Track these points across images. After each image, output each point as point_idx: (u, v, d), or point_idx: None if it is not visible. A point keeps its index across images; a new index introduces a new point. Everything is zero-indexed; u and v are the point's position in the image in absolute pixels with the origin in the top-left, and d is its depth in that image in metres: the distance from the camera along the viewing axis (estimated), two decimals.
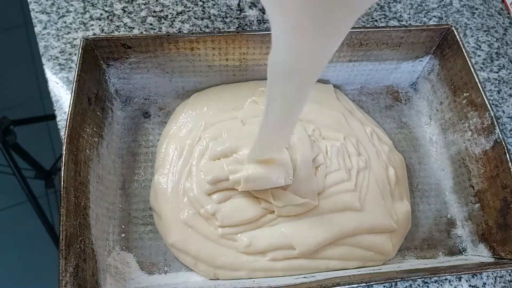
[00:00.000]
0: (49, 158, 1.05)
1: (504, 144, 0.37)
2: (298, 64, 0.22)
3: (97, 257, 0.35)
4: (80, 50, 0.37)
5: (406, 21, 0.56)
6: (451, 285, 0.41)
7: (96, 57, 0.40)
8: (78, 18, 0.50)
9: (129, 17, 0.51)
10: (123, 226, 0.40)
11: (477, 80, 0.40)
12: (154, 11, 0.52)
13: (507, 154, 0.37)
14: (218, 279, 0.37)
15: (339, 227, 0.37)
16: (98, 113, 0.40)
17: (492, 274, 0.42)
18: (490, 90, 0.52)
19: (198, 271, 0.38)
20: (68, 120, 0.34)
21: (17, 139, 0.90)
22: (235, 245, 0.37)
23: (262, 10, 0.54)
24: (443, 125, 0.46)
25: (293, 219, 0.38)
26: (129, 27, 0.51)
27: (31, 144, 0.99)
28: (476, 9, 0.58)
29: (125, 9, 0.52)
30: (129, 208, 0.41)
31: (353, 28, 0.43)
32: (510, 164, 0.37)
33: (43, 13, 0.50)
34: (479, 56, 0.54)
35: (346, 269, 0.38)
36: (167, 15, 0.52)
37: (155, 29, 0.51)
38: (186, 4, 0.53)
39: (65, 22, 0.50)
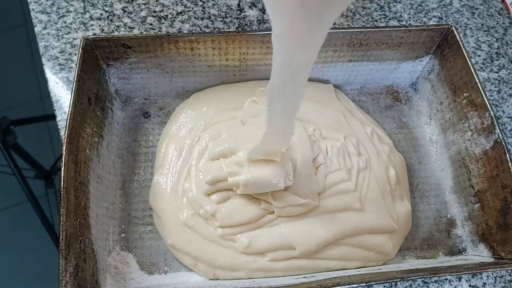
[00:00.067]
0: (49, 158, 1.05)
1: (504, 144, 0.37)
2: (291, 60, 0.24)
3: (97, 257, 0.35)
4: (80, 50, 0.37)
5: (406, 21, 0.56)
6: (451, 285, 0.41)
7: (96, 57, 0.40)
8: (78, 18, 0.50)
9: (129, 17, 0.51)
10: (123, 226, 0.40)
11: (477, 80, 0.40)
12: (154, 11, 0.52)
13: (507, 154, 0.37)
14: (218, 279, 0.37)
15: (339, 227, 0.37)
16: (98, 113, 0.40)
17: (492, 274, 0.42)
18: (490, 90, 0.52)
19: (198, 271, 0.38)
20: (68, 120, 0.34)
21: (17, 139, 0.90)
22: (234, 246, 0.37)
23: (262, 10, 0.54)
24: (443, 125, 0.46)
25: (293, 219, 0.37)
26: (129, 27, 0.51)
27: (31, 144, 0.99)
28: (476, 9, 0.58)
29: (125, 9, 0.52)
30: (129, 208, 0.41)
31: (353, 28, 0.43)
32: (510, 164, 0.37)
33: (43, 13, 0.50)
34: (479, 56, 0.54)
35: (346, 269, 0.38)
36: (167, 15, 0.52)
37: (155, 29, 0.51)
38: (186, 4, 0.53)
39: (65, 22, 0.50)
